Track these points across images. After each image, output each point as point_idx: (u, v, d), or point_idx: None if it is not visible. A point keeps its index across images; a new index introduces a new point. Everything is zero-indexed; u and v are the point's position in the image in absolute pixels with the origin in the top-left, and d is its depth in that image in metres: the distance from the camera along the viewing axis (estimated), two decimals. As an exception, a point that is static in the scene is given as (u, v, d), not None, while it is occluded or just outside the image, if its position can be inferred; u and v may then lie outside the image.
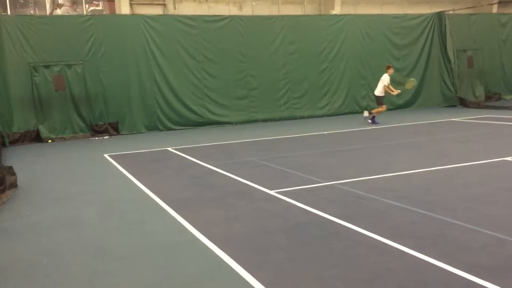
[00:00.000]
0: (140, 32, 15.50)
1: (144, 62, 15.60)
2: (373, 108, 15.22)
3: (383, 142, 11.12)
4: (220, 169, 8.77)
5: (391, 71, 14.64)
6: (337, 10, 19.08)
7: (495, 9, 21.72)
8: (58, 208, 6.74)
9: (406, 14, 19.53)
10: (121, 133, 15.40)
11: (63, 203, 6.98)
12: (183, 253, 4.73)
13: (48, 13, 16.17)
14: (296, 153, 10.23)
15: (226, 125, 16.51)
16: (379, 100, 14.87)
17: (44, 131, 14.58)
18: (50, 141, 14.49)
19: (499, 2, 21.65)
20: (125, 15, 16.03)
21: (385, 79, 14.57)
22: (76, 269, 4.47)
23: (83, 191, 7.69)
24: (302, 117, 17.45)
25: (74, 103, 14.90)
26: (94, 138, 14.81)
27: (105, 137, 14.98)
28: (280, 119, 17.15)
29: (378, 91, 14.74)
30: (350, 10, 19.90)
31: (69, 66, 14.79)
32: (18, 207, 6.91)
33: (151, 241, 5.14)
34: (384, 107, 14.80)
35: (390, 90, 14.62)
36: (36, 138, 14.54)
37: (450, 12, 20.00)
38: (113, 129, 15.36)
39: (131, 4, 17.04)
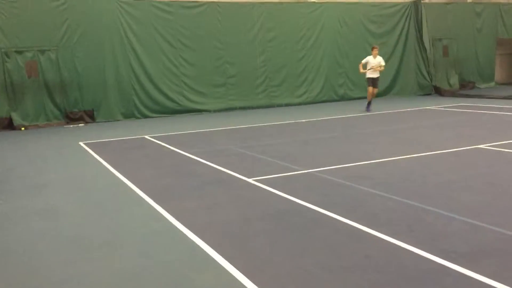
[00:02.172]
0: (115, 17, 15.21)
1: (120, 48, 15.33)
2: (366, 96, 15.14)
3: (360, 130, 11.23)
4: (198, 157, 8.73)
5: (373, 52, 14.49)
6: (315, -3, 19.02)
7: (470, -1, 22.02)
8: (33, 196, 6.62)
9: (383, 3, 19.62)
10: (96, 120, 15.16)
11: (38, 192, 6.85)
12: (162, 242, 4.70)
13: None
14: (274, 141, 10.25)
15: (204, 112, 16.41)
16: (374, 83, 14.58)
17: (17, 119, 14.24)
18: (23, 128, 14.17)
19: (474, -8, 21.95)
20: (101, 0, 15.67)
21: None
22: (53, 258, 4.41)
23: (58, 180, 7.56)
24: (280, 105, 17.46)
25: (48, 90, 14.58)
26: (69, 126, 14.55)
27: (80, 124, 14.73)
28: (258, 107, 17.12)
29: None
30: (328, -3, 19.86)
31: (43, 51, 14.43)
32: (-9, 196, 6.75)
33: (129, 230, 5.10)
34: (369, 89, 14.62)
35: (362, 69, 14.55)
36: (9, 125, 14.19)
37: (426, 1, 20.19)
38: (89, 116, 15.10)
39: (106, -11, 16.64)
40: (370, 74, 14.36)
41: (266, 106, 17.23)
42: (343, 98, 18.53)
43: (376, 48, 14.52)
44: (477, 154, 8.03)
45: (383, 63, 14.38)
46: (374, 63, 14.27)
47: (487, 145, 8.57)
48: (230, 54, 16.75)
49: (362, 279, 3.68)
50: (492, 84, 21.72)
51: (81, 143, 10.94)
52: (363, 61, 14.48)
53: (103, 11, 15.08)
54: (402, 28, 19.52)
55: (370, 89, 14.46)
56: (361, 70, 14.48)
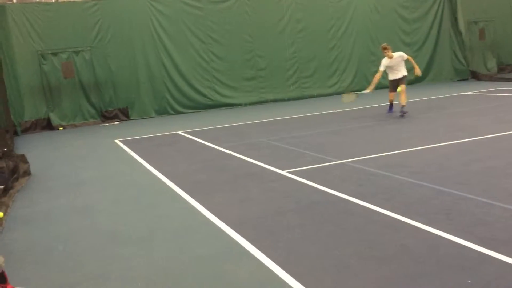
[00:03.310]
0: (146, 16, 15.40)
1: (151, 46, 15.52)
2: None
3: (394, 118, 11.01)
4: (231, 151, 8.76)
5: (386, 53, 11.17)
6: (344, -15, 18.73)
7: (506, -22, 21.21)
8: (71, 194, 6.79)
9: (415, -13, 19.12)
10: (131, 118, 15.43)
11: (76, 190, 7.03)
12: (197, 236, 4.74)
13: (53, 0, 16.09)
14: (306, 132, 10.18)
15: (236, 106, 16.45)
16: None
17: (55, 119, 14.65)
18: (61, 128, 14.58)
19: (511, -29, 21.12)
20: (131, -1, 15.90)
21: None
22: (91, 255, 4.51)
23: (95, 177, 7.73)
24: (312, 96, 17.31)
25: (83, 90, 14.94)
26: (104, 124, 14.86)
27: (115, 122, 15.03)
28: (289, 99, 17.03)
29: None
30: (358, -15, 19.52)
31: (77, 52, 14.77)
32: (32, 195, 6.98)
33: (165, 225, 5.17)
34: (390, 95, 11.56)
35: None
36: (47, 125, 14.63)
37: (461, -17, 19.56)
38: (123, 114, 15.39)
39: (136, -12, 16.86)
40: (392, 76, 11.36)
41: (297, 98, 17.11)
42: (376, 87, 17.98)
43: (384, 49, 11.11)
44: (518, 139, 7.74)
45: (406, 56, 11.21)
46: (394, 64, 11.13)
47: (529, 129, 8.26)
48: (259, 47, 16.70)
49: (400, 269, 3.61)
50: (532, 66, 20.89)
51: (117, 141, 11.15)
52: (381, 67, 11.28)
53: (134, 10, 15.29)
54: (436, 12, 18.96)
55: (392, 95, 11.46)
56: (378, 78, 11.40)
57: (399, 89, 11.12)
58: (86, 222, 5.50)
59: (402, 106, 11.01)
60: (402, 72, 11.26)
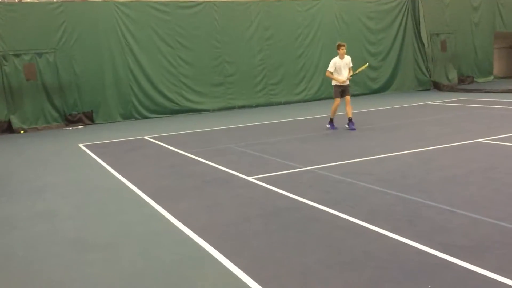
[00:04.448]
0: (112, 19, 15.20)
1: (117, 49, 15.32)
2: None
3: (359, 126, 11.20)
4: (198, 157, 8.72)
5: (339, 50, 10.80)
6: (312, -5, 19.02)
7: (467, -7, 22.00)
8: (33, 199, 6.61)
9: (380, -1, 19.61)
10: (95, 122, 15.16)
11: (38, 194, 6.85)
12: (163, 242, 4.70)
13: (17, 0, 15.68)
14: (274, 139, 10.24)
15: (203, 112, 16.40)
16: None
17: (16, 122, 14.24)
18: (22, 131, 14.18)
19: (471, -14, 21.92)
20: (97, 1, 15.65)
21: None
22: (54, 261, 4.40)
23: (58, 182, 7.55)
24: (279, 103, 17.45)
25: (46, 93, 14.58)
26: (68, 128, 14.54)
27: (79, 126, 14.73)
28: (257, 106, 17.12)
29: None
30: (325, -6, 19.85)
31: (40, 54, 14.43)
32: (-9, 200, 6.75)
33: (130, 231, 5.10)
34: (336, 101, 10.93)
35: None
36: (8, 128, 14.20)
37: (424, -4, 20.17)
38: (88, 118, 15.10)
39: (103, -10, 16.64)
40: (339, 82, 10.76)
41: (265, 105, 17.22)
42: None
43: (342, 46, 10.79)
44: (477, 148, 8.02)
45: (351, 64, 10.85)
46: (342, 65, 10.72)
47: (487, 139, 8.57)
48: (228, 53, 16.74)
49: (363, 274, 3.67)
50: (491, 78, 21.70)
51: (81, 145, 10.93)
52: (331, 68, 10.76)
53: (100, 13, 15.07)
54: (400, 24, 19.51)
55: (338, 101, 10.85)
56: (342, 79, 10.68)
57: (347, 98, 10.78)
58: (48, 228, 5.36)
59: (350, 118, 10.70)
60: (348, 77, 10.82)
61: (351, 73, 10.85)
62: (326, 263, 3.92)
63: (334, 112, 11.00)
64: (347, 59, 10.83)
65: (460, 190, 5.71)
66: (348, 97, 10.85)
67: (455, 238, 4.25)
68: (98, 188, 7.08)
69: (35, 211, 6.04)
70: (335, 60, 10.80)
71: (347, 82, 10.89)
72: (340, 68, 10.74)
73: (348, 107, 10.78)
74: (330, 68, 10.80)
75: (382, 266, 3.80)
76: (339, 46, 10.84)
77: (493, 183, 5.92)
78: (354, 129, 10.60)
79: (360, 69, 11.15)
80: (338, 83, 10.79)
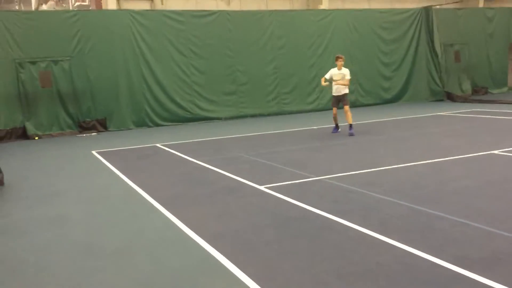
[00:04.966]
0: (127, 28, 15.38)
1: (131, 57, 15.48)
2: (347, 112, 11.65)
3: (371, 136, 11.16)
4: (210, 165, 8.74)
5: (337, 62, 11.59)
6: (325, 5, 19.09)
7: (481, 4, 21.90)
8: (45, 205, 6.67)
9: (393, 9, 19.60)
10: (109, 129, 15.29)
11: (50, 201, 6.91)
12: (173, 250, 4.71)
13: (33, 8, 15.94)
14: (285, 148, 10.24)
15: (215, 120, 16.46)
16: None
17: (30, 128, 14.42)
18: (37, 138, 14.35)
19: (486, -3, 21.86)
20: (112, 10, 15.87)
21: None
22: (65, 267, 4.43)
23: (71, 188, 7.62)
24: (291, 112, 17.46)
25: (61, 100, 14.76)
26: (81, 135, 14.69)
27: (92, 133, 14.87)
28: (269, 115, 17.14)
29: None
30: (338, 5, 19.94)
31: (56, 62, 14.63)
32: (5, 205, 6.83)
33: (141, 238, 5.12)
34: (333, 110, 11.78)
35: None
36: (23, 135, 14.39)
37: (437, 6, 20.12)
38: (101, 125, 15.25)
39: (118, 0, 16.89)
40: (335, 92, 11.62)
41: (277, 114, 17.24)
42: (354, 105, 18.41)
43: (340, 58, 11.56)
44: (491, 160, 7.93)
45: (348, 77, 11.47)
46: (338, 76, 11.48)
47: (501, 150, 8.47)
48: (240, 62, 16.82)
49: (374, 286, 3.64)
50: (505, 89, 21.51)
51: (94, 152, 11.03)
52: (327, 75, 11.70)
53: (115, 22, 15.26)
54: (413, 34, 19.45)
55: (334, 110, 11.69)
56: (323, 83, 11.66)
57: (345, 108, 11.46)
58: (60, 234, 5.40)
59: (350, 125, 11.44)
60: (343, 89, 11.55)
61: (342, 82, 11.49)
62: (338, 274, 3.90)
63: (334, 119, 11.84)
64: (344, 71, 11.50)
65: (473, 202, 5.65)
66: (345, 106, 11.51)
67: (467, 250, 4.20)
68: (110, 194, 7.12)
69: (47, 217, 6.10)
70: (332, 70, 11.66)
71: (342, 92, 11.56)
72: (337, 78, 11.51)
73: (346, 115, 11.45)
74: (326, 75, 11.69)
75: (394, 277, 3.76)
76: (337, 58, 11.65)
77: (507, 195, 5.85)
78: (352, 135, 11.23)
79: (340, 82, 11.54)
80: (333, 93, 11.71)
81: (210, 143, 11.61)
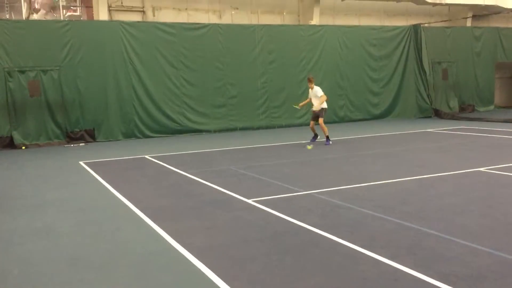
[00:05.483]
0: (118, 39, 15.38)
1: (122, 68, 15.47)
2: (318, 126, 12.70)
3: (360, 151, 11.23)
4: (198, 177, 8.72)
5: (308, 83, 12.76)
6: (315, 20, 19.27)
7: (469, 23, 22.27)
8: (31, 216, 6.59)
9: (383, 26, 19.86)
10: (97, 140, 15.20)
11: (36, 211, 6.83)
12: (160, 263, 4.67)
13: (24, 17, 15.89)
14: (274, 162, 10.25)
15: (205, 133, 16.45)
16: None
17: (18, 137, 14.29)
18: (24, 147, 14.22)
19: (473, 16, 22.21)
20: (104, 21, 15.88)
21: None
22: (49, 279, 4.37)
23: (57, 199, 7.54)
24: (281, 126, 17.52)
25: (49, 109, 14.67)
26: (69, 145, 14.58)
27: (80, 144, 14.77)
28: (258, 128, 17.18)
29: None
30: (329, 20, 20.14)
31: (45, 71, 14.56)
32: (-11, 215, 6.73)
33: (127, 250, 5.07)
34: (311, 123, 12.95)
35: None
36: (10, 144, 14.25)
37: (426, 24, 20.43)
38: (89, 136, 15.16)
39: (109, 10, 16.89)
40: (313, 107, 12.71)
41: (266, 127, 17.29)
42: (343, 120, 18.62)
43: (309, 80, 12.68)
44: (477, 177, 8.02)
45: (319, 94, 12.39)
46: (312, 95, 12.63)
47: (487, 168, 8.57)
48: (231, 75, 16.88)
49: (361, 302, 3.64)
50: (492, 107, 21.82)
51: (81, 163, 10.94)
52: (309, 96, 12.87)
53: (106, 32, 15.26)
54: (402, 51, 19.70)
55: (312, 123, 12.82)
56: (298, 107, 13.47)
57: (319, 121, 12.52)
58: (46, 245, 5.33)
59: (327, 136, 12.58)
60: (321, 105, 12.53)
61: (316, 105, 12.58)
62: (324, 289, 3.89)
63: (312, 130, 12.90)
64: (316, 90, 12.57)
65: (459, 219, 5.69)
66: (320, 119, 12.56)
67: (454, 267, 4.23)
68: (97, 206, 7.06)
69: (33, 228, 6.02)
70: (309, 91, 12.81)
71: (318, 108, 12.55)
72: (312, 97, 12.75)
73: (321, 128, 12.56)
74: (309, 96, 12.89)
75: (379, 293, 3.77)
76: (307, 80, 12.80)
77: (492, 213, 5.90)
78: (328, 144, 12.47)
79: (315, 107, 12.59)
80: (313, 109, 12.80)
81: (199, 156, 11.59)
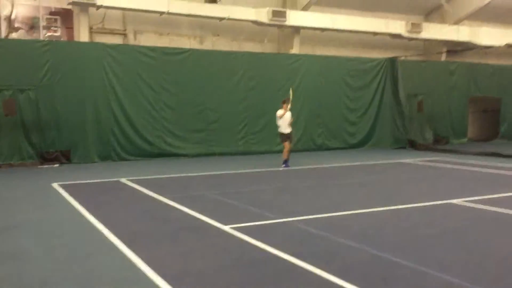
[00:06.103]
0: (99, 60, 15.31)
1: (101, 90, 15.34)
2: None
3: (336, 180, 11.32)
4: (174, 202, 8.63)
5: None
6: (295, 49, 19.58)
7: (443, 57, 22.92)
8: (0, 239, 6.40)
9: (360, 58, 20.27)
10: (72, 161, 14.94)
11: (5, 234, 6.64)
12: (132, 290, 4.58)
13: (3, 36, 15.73)
14: (251, 188, 10.24)
15: (183, 157, 16.36)
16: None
17: (-10, 157, 13.95)
18: (-4, 167, 13.87)
19: (448, 52, 22.88)
20: (85, 43, 15.81)
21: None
22: (16, 306, 4.23)
23: (27, 222, 7.35)
24: (260, 153, 17.54)
25: (24, 129, 14.37)
26: (43, 166, 14.30)
27: (55, 165, 14.50)
28: (237, 154, 17.16)
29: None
30: (308, 50, 20.46)
31: (22, 91, 14.34)
32: (-44, 237, 6.51)
33: (99, 277, 4.95)
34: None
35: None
36: (-19, 163, 13.89)
37: (402, 58, 20.95)
38: (65, 157, 14.89)
39: (90, 32, 16.86)
40: (282, 130, 13.71)
41: (245, 153, 17.27)
42: (320, 148, 18.76)
43: (285, 103, 13.79)
44: (450, 209, 8.15)
45: (287, 119, 13.74)
46: (285, 118, 13.65)
47: (460, 200, 8.72)
48: (211, 100, 16.91)
49: (335, 334, 3.62)
50: (465, 140, 22.31)
51: (55, 184, 10.73)
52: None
53: (87, 54, 15.17)
54: (379, 83, 20.11)
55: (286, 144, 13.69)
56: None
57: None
58: (14, 270, 5.17)
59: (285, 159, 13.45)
60: (287, 129, 13.58)
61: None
62: (298, 320, 3.86)
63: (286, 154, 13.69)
64: (288, 114, 13.66)
65: (433, 251, 5.75)
66: (286, 143, 13.62)
67: (427, 299, 4.25)
68: (68, 230, 6.91)
69: (1, 252, 5.84)
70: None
71: (288, 131, 13.66)
72: (284, 121, 13.65)
73: (285, 151, 13.66)
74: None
75: (354, 325, 3.76)
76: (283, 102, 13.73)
77: (465, 245, 5.99)
78: (284, 167, 13.46)
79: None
80: (281, 131, 13.77)
81: (176, 180, 11.50)
